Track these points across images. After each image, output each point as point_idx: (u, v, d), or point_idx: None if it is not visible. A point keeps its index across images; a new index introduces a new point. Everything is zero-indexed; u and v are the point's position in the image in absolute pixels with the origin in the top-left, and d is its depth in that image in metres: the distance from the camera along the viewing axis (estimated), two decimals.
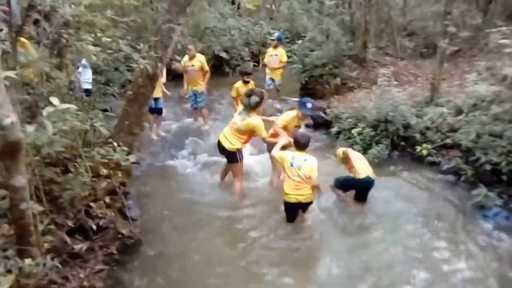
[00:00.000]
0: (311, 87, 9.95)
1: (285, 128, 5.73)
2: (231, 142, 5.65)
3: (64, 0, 4.71)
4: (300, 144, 5.04)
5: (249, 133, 5.67)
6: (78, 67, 6.91)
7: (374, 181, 5.50)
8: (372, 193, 5.76)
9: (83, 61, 6.88)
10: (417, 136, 6.90)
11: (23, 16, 4.66)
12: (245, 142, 5.79)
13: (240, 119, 5.62)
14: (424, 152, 6.60)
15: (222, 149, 5.76)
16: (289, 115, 5.85)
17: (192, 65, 8.08)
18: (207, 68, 8.25)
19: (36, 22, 5.37)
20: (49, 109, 2.92)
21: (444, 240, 4.85)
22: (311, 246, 4.86)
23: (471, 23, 10.44)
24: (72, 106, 3.03)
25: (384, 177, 6.38)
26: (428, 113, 7.03)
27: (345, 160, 5.69)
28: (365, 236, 4.98)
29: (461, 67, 9.69)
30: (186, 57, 8.35)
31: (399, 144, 7.10)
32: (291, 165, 4.96)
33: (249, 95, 5.58)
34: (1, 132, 2.96)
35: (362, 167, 5.51)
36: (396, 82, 7.63)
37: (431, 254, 4.62)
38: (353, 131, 7.39)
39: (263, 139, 5.65)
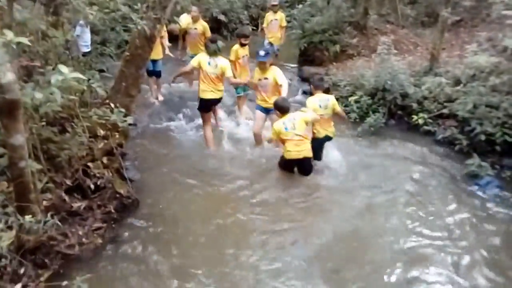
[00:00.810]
0: (310, 54, 9.83)
1: (251, 83, 6.17)
2: (221, 90, 6.11)
3: None
4: (283, 108, 5.35)
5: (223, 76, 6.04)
6: (75, 27, 6.74)
7: (331, 138, 5.74)
8: (367, 159, 5.84)
9: (81, 22, 6.69)
10: (414, 105, 6.93)
11: None
12: None
13: (213, 67, 5.92)
14: (420, 121, 6.66)
15: (214, 102, 6.16)
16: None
17: (195, 28, 7.96)
18: (209, 33, 8.12)
19: None
20: (58, 77, 2.90)
21: (436, 208, 4.95)
22: (305, 206, 4.98)
23: None
24: (79, 75, 3.01)
25: (379, 145, 6.45)
26: (426, 83, 7.03)
27: None
28: (357, 202, 5.06)
29: (461, 37, 9.58)
30: (185, 18, 8.19)
31: (396, 113, 7.15)
32: (286, 129, 5.22)
33: (214, 41, 5.96)
34: None
35: (320, 128, 5.59)
36: (395, 51, 7.61)
37: (421, 221, 4.72)
38: (350, 99, 7.40)
39: (229, 79, 6.06)
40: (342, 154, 6.05)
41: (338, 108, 5.76)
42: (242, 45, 6.97)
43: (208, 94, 6.00)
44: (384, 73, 7.09)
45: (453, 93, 6.73)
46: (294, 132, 5.22)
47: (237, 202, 5.03)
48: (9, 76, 2.99)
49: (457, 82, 6.92)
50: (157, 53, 7.18)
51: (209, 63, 5.90)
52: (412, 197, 5.16)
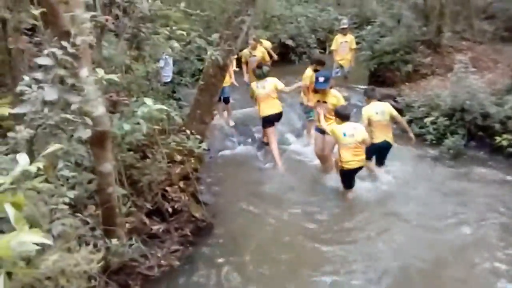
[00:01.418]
0: (380, 74, 9.66)
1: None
2: (277, 105, 6.73)
3: None
4: (343, 115, 5.41)
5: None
6: (158, 61, 7.14)
7: (390, 144, 5.83)
8: (447, 185, 5.57)
9: (164, 56, 7.09)
10: (497, 126, 6.51)
11: (105, 11, 4.96)
12: None
13: (261, 88, 6.62)
14: (505, 143, 6.23)
15: (275, 116, 6.71)
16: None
17: (254, 55, 8.21)
18: (267, 58, 8.34)
19: (115, 16, 5.72)
20: (144, 109, 3.14)
21: None
22: (377, 238, 4.79)
23: None
24: (162, 107, 3.23)
25: (460, 169, 6.12)
26: (509, 102, 6.60)
27: (369, 122, 5.77)
28: (436, 234, 4.73)
29: None
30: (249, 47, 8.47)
31: (476, 134, 6.75)
32: (344, 135, 5.31)
33: (260, 67, 6.75)
34: (91, 123, 3.21)
35: (378, 134, 5.72)
36: (473, 69, 7.22)
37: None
38: (426, 120, 7.11)
39: (282, 90, 6.74)
40: (419, 179, 5.82)
41: (395, 113, 5.89)
42: (316, 71, 7.02)
43: (266, 110, 6.62)
44: (461, 93, 6.76)
45: None
46: (354, 139, 5.27)
47: (307, 226, 4.98)
48: (101, 110, 3.26)
49: None
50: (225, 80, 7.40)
51: (257, 87, 6.64)
52: (501, 230, 4.72)
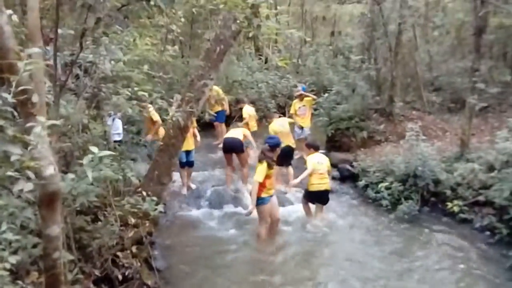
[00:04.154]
0: (337, 140, 9.95)
1: (267, 176, 5.58)
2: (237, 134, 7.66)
3: (104, 56, 4.99)
4: (316, 146, 6.89)
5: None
6: (107, 120, 7.00)
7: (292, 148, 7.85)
8: (401, 250, 5.61)
9: (113, 114, 6.97)
10: (448, 192, 6.76)
11: (65, 70, 4.93)
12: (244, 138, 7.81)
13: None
14: (456, 208, 6.44)
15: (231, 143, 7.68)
16: (261, 167, 5.56)
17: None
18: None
19: (76, 76, 5.70)
20: (89, 156, 3.01)
21: None
22: None
23: (499, 79, 10.41)
24: (110, 153, 3.10)
25: (414, 234, 6.22)
26: (458, 169, 6.92)
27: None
28: None
29: (490, 122, 9.57)
30: None
31: (429, 199, 6.96)
32: (318, 163, 6.51)
33: None
34: (41, 182, 3.06)
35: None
36: (424, 137, 7.59)
37: None
38: (380, 185, 7.29)
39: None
40: (374, 244, 5.83)
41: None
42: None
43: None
44: (414, 159, 7.04)
45: (488, 180, 6.55)
46: (322, 167, 6.48)
47: None
48: (51, 169, 3.11)
49: (491, 168, 6.76)
50: (190, 144, 7.31)
51: None
52: None
